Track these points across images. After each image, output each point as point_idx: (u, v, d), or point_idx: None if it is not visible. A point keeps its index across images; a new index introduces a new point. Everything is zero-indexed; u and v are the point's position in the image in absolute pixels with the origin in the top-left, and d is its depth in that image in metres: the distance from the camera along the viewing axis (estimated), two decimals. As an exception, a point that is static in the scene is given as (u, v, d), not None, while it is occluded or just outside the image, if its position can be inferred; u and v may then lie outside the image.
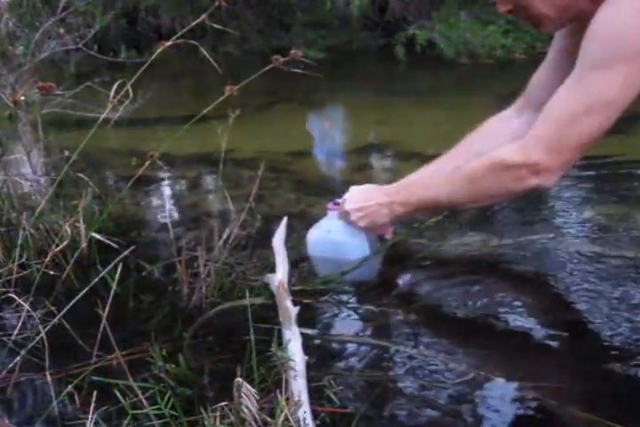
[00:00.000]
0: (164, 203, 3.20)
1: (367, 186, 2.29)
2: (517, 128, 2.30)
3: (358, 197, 2.21)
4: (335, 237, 2.24)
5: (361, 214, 2.17)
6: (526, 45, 7.63)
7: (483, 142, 2.35)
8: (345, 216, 2.20)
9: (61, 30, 4.32)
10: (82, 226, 2.18)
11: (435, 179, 2.15)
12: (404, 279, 2.24)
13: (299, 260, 2.29)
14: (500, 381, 1.64)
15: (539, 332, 1.89)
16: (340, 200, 2.24)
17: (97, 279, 1.82)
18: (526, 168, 1.95)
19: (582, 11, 1.93)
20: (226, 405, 1.43)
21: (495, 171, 2.01)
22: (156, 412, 1.42)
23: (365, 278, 2.20)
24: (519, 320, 1.95)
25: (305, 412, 1.41)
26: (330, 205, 2.26)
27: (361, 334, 1.90)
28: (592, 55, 1.86)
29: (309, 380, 1.57)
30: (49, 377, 1.63)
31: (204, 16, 1.85)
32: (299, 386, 1.49)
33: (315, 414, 1.45)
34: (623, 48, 1.81)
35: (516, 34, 7.71)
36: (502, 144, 2.06)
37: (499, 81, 6.69)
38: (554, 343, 1.84)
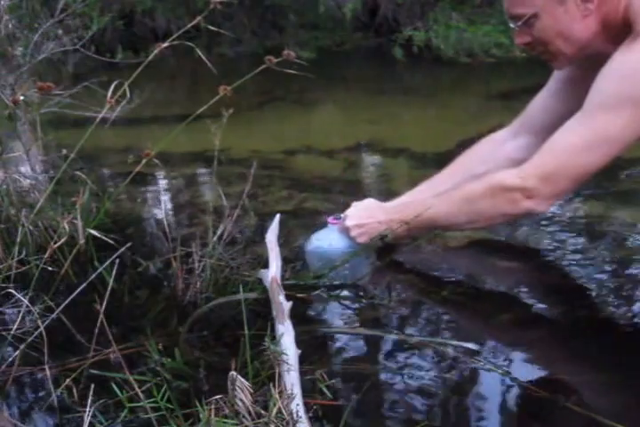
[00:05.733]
0: (160, 200, 3.21)
1: (368, 202, 2.32)
2: (511, 151, 2.35)
3: (359, 214, 2.25)
4: (334, 250, 2.25)
5: (361, 231, 2.21)
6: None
7: (476, 163, 2.38)
8: (346, 232, 2.24)
9: (60, 32, 4.33)
10: (79, 223, 2.19)
11: (434, 199, 2.18)
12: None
13: (291, 256, 2.31)
14: (495, 371, 1.67)
15: (531, 322, 1.93)
16: (341, 215, 2.27)
17: (94, 275, 1.85)
18: (521, 192, 2.01)
19: (596, 50, 2.00)
20: (220, 398, 1.46)
21: (492, 193, 2.06)
22: (153, 405, 1.44)
23: (356, 280, 2.21)
24: (510, 311, 1.99)
25: (298, 405, 1.43)
26: (330, 219, 2.28)
27: (353, 326, 1.93)
28: (602, 94, 1.92)
29: (302, 373, 1.59)
30: (48, 371, 1.66)
31: (199, 18, 1.88)
32: (291, 379, 1.51)
33: (307, 407, 1.48)
34: (632, 91, 1.87)
35: (510, 33, 7.70)
36: (502, 169, 2.12)
37: (493, 81, 6.70)
38: (548, 333, 1.87)
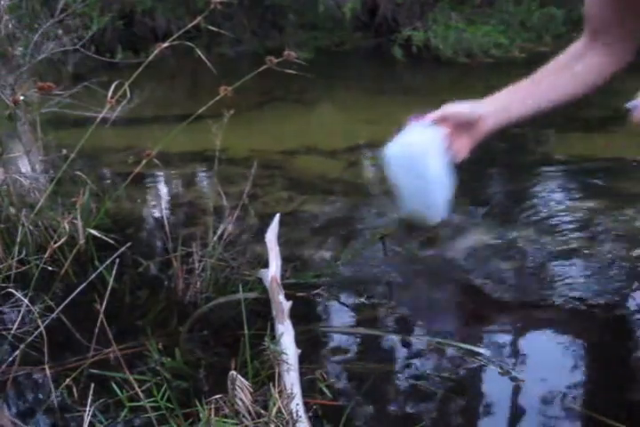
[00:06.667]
0: (160, 200, 3.21)
1: None
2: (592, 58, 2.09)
3: None
4: (417, 147, 1.85)
5: None
6: (522, 44, 7.62)
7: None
8: None
9: (60, 32, 4.32)
10: (80, 223, 2.19)
11: None
12: None
13: (291, 255, 2.31)
14: (495, 371, 1.67)
15: (531, 323, 1.93)
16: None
17: (94, 275, 1.85)
18: None
19: None
20: (220, 397, 1.47)
21: None
22: (153, 404, 1.44)
23: (437, 213, 1.98)
24: (511, 312, 2.00)
25: (297, 404, 1.44)
26: (414, 118, 2.02)
27: (353, 325, 1.94)
28: None
29: (302, 373, 1.60)
30: (48, 371, 1.66)
31: (199, 18, 1.88)
32: (291, 379, 1.52)
33: (307, 407, 1.49)
34: None
35: (510, 33, 7.73)
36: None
37: (492, 81, 6.70)
38: (548, 334, 1.87)
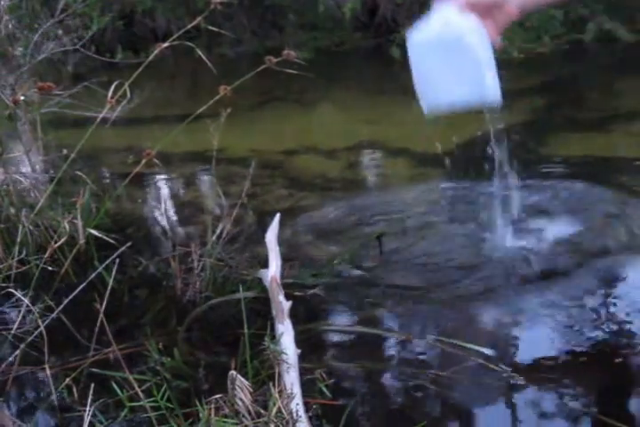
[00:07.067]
0: (160, 200, 3.22)
1: None
2: None
3: None
4: (455, 27, 1.63)
5: None
6: (521, 44, 7.62)
7: None
8: None
9: (60, 32, 4.32)
10: (80, 223, 2.20)
11: None
12: None
13: (290, 254, 2.31)
14: (496, 371, 1.67)
15: (531, 323, 1.93)
16: None
17: (94, 275, 1.85)
18: None
19: None
20: (220, 397, 1.47)
21: None
22: (153, 404, 1.44)
23: (494, 91, 1.63)
24: (512, 312, 1.99)
25: (297, 404, 1.44)
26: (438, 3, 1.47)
27: (352, 324, 1.94)
28: None
29: (302, 373, 1.60)
30: (48, 370, 1.66)
31: (199, 18, 1.88)
32: (291, 379, 1.52)
33: (307, 407, 1.48)
34: None
35: (508, 33, 7.72)
36: None
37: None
38: (548, 334, 1.87)
